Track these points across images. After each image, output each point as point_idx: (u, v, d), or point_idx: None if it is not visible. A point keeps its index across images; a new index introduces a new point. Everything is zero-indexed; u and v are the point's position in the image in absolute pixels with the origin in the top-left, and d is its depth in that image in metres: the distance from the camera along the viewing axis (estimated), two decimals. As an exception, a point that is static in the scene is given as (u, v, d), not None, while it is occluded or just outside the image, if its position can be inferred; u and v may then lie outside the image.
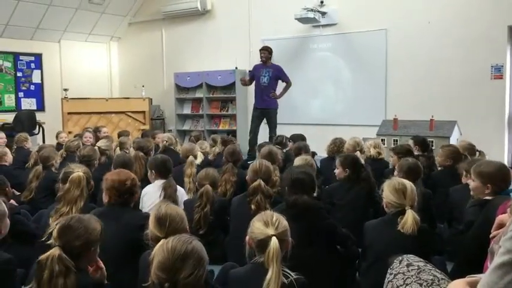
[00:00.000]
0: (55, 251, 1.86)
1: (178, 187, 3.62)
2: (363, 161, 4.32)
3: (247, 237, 2.01)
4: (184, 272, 1.60)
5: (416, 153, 4.58)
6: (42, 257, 1.86)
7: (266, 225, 1.96)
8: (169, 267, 1.60)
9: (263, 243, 1.92)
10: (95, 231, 2.00)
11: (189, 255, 1.64)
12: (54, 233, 1.94)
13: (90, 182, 3.01)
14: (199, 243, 1.72)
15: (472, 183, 2.82)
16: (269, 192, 3.13)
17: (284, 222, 2.00)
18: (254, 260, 1.97)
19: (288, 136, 5.75)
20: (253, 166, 3.27)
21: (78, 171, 2.95)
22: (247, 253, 2.04)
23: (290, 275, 1.87)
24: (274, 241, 1.89)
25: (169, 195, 3.38)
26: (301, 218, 2.53)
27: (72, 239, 1.92)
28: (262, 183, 3.10)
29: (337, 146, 4.85)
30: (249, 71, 8.58)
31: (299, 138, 5.48)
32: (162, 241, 1.72)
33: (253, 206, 3.03)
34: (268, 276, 1.82)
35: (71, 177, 2.89)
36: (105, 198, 2.73)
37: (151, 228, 2.12)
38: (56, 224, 2.55)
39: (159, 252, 1.67)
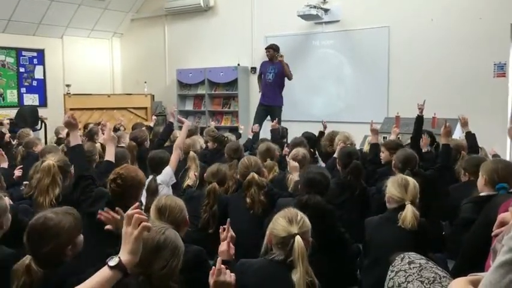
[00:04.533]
0: (25, 260, 1.75)
1: (165, 170, 3.60)
2: None
3: (267, 232, 2.00)
4: (157, 264, 1.57)
5: (425, 149, 4.62)
6: (15, 265, 1.74)
7: (290, 223, 1.94)
8: (142, 259, 1.54)
9: (285, 241, 1.91)
10: (64, 229, 1.83)
11: (162, 246, 1.60)
12: (24, 237, 1.81)
13: (66, 170, 2.91)
14: (172, 231, 1.69)
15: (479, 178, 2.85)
16: (262, 182, 3.19)
17: (307, 222, 1.99)
18: (271, 257, 1.95)
19: (286, 128, 5.85)
20: (242, 162, 3.37)
21: (50, 159, 2.89)
22: (263, 248, 2.02)
23: (312, 276, 1.87)
24: (298, 240, 1.88)
25: (151, 195, 3.32)
26: (314, 220, 2.54)
27: (39, 245, 1.77)
28: (256, 175, 3.17)
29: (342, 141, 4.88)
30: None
31: (307, 137, 5.23)
32: None
33: (248, 200, 3.09)
34: (297, 276, 1.83)
35: (41, 166, 2.86)
36: None
37: (152, 216, 2.15)
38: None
39: None
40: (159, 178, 3.49)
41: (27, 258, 1.75)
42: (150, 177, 3.51)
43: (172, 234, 1.67)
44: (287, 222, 1.94)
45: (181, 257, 1.65)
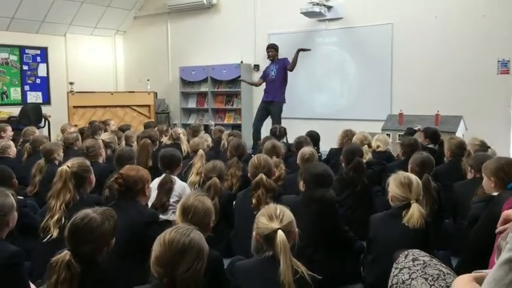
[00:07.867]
0: (65, 256, 1.80)
1: (181, 182, 3.60)
2: (370, 156, 4.36)
3: (254, 233, 2.02)
4: (182, 267, 1.56)
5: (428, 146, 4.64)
6: (53, 259, 1.80)
7: (271, 220, 1.96)
8: (167, 261, 1.56)
9: (270, 238, 1.93)
10: (105, 232, 1.91)
11: (187, 249, 1.59)
12: (65, 233, 1.89)
13: (81, 175, 2.86)
14: (197, 233, 1.68)
15: (483, 180, 2.83)
16: (271, 185, 3.16)
17: (288, 214, 2.01)
18: (262, 254, 1.98)
19: (285, 127, 5.90)
20: (252, 161, 3.31)
21: (66, 164, 2.85)
22: (253, 247, 2.05)
23: (300, 268, 1.89)
24: (280, 234, 1.90)
25: (165, 192, 3.37)
26: (318, 216, 2.56)
27: (80, 244, 1.85)
28: (264, 177, 3.14)
29: (348, 137, 4.89)
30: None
31: (310, 135, 5.21)
32: (160, 234, 1.67)
33: (254, 200, 3.07)
34: (281, 269, 1.85)
35: (58, 170, 2.85)
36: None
37: (177, 214, 2.16)
38: (48, 219, 2.56)
39: (156, 246, 1.62)
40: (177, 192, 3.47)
41: (67, 254, 1.81)
42: (164, 175, 3.52)
43: (197, 236, 1.66)
44: (268, 220, 1.96)
45: (205, 260, 1.63)
